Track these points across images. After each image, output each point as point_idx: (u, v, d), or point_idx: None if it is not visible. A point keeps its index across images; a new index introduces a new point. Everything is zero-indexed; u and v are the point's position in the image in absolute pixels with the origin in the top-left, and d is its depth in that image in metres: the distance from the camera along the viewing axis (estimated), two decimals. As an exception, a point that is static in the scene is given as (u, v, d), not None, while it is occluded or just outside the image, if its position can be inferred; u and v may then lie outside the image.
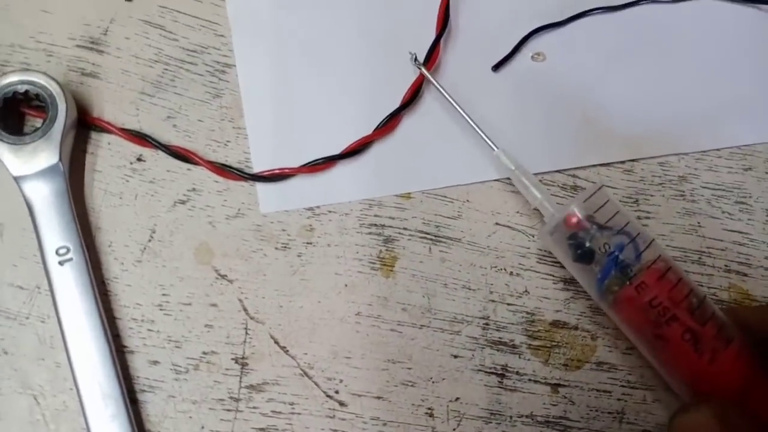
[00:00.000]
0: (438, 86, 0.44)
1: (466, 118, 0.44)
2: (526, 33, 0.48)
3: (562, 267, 0.44)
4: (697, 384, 0.36)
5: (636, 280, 0.36)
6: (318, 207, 0.44)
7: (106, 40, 0.45)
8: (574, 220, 0.38)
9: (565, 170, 0.46)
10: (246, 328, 0.42)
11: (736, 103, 0.49)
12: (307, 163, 0.43)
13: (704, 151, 0.48)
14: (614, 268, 0.37)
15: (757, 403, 0.35)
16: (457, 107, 0.44)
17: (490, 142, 0.43)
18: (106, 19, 0.45)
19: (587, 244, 0.38)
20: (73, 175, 0.42)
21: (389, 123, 0.45)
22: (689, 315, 0.35)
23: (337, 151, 0.44)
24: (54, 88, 0.40)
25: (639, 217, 0.46)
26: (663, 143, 0.47)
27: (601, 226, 0.38)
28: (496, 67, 0.48)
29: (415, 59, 0.45)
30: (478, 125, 0.43)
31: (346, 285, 0.43)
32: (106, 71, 0.44)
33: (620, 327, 0.39)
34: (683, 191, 0.47)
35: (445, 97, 0.44)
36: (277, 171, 0.43)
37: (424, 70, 0.44)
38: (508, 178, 0.45)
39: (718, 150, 0.48)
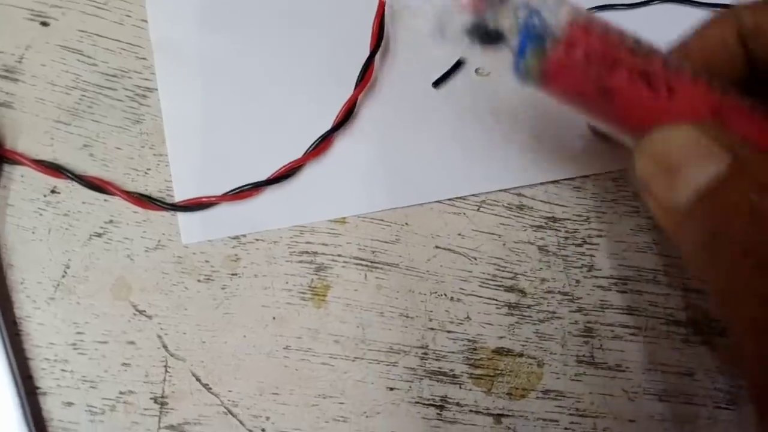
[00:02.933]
0: None
1: None
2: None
3: (506, 290, 0.42)
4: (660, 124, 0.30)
5: (561, 41, 0.29)
6: (244, 236, 0.41)
7: (21, 68, 0.43)
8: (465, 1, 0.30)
9: (510, 189, 0.44)
10: (166, 366, 0.39)
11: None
12: (231, 190, 0.41)
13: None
14: (531, 37, 0.29)
15: (731, 127, 0.29)
16: None
17: None
18: (21, 45, 0.43)
19: (490, 25, 0.30)
20: (-16, 210, 0.40)
21: (320, 145, 0.42)
22: (631, 55, 0.29)
23: (265, 177, 0.42)
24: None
25: (590, 235, 0.43)
26: (617, 157, 0.45)
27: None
28: (437, 84, 0.45)
29: None
30: None
31: (273, 318, 0.40)
32: (20, 100, 0.42)
33: (559, 101, 0.32)
34: (637, 207, 0.44)
35: None
36: (200, 200, 0.40)
37: None
38: (450, 199, 0.43)
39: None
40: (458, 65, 0.45)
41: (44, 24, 0.44)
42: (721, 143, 0.27)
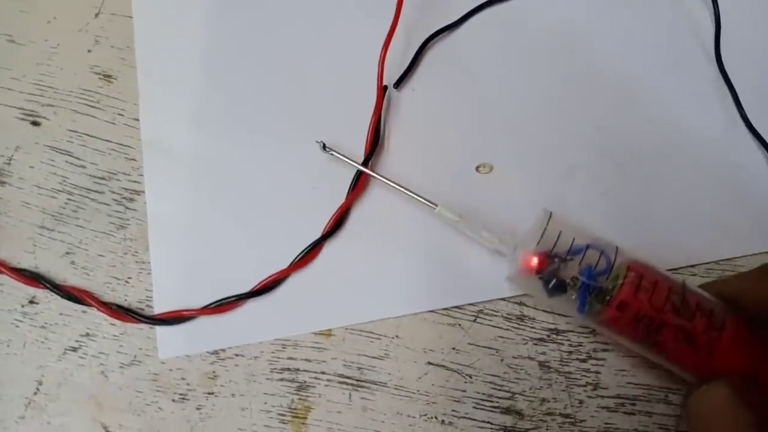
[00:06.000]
0: (347, 160, 0.41)
1: (400, 188, 0.41)
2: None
3: (503, 412, 0.39)
4: (705, 376, 0.35)
5: (614, 302, 0.35)
6: (224, 350, 0.39)
7: (9, 170, 0.42)
8: (534, 263, 0.36)
9: (510, 298, 0.41)
10: (135, 494, 0.37)
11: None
12: (212, 303, 0.39)
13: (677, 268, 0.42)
14: (588, 296, 0.35)
15: (765, 376, 0.34)
16: (391, 183, 0.41)
17: (427, 202, 0.40)
18: (11, 146, 0.43)
19: (555, 278, 0.36)
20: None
21: (308, 255, 0.40)
22: (675, 316, 0.34)
23: (250, 287, 0.40)
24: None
25: (595, 349, 0.40)
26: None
27: (563, 259, 0.36)
28: (398, 83, 0.44)
29: (324, 146, 0.41)
30: (415, 193, 0.40)
31: (250, 442, 0.38)
32: (5, 204, 0.42)
33: (617, 340, 0.38)
34: (649, 318, 0.40)
35: (379, 177, 0.41)
36: (180, 312, 0.39)
37: (338, 154, 0.42)
38: (445, 308, 0.40)
39: (692, 266, 0.42)
40: (413, 63, 0.43)
41: (35, 123, 0.43)
42: (748, 402, 0.31)
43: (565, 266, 0.36)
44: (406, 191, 0.40)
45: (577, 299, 0.36)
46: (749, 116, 0.44)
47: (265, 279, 0.40)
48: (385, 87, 0.43)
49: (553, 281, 0.36)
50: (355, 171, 0.42)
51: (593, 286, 0.35)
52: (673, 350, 0.35)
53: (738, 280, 0.37)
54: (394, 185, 0.40)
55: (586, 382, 0.40)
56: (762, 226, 0.43)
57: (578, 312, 0.36)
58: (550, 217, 0.37)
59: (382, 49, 0.42)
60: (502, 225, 0.41)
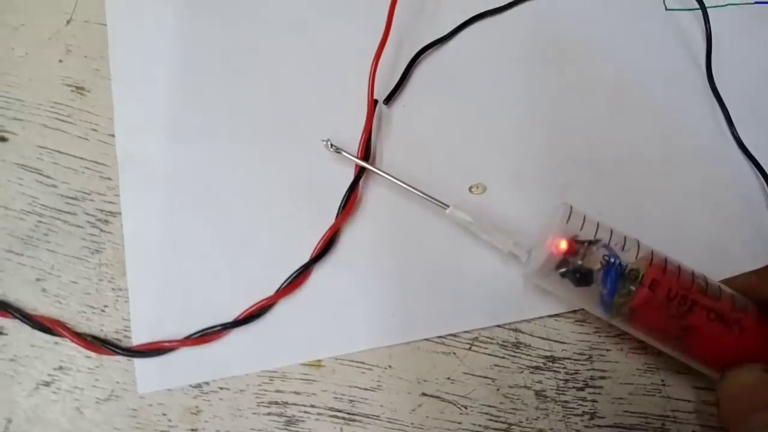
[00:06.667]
0: (372, 168, 0.40)
1: (409, 188, 0.40)
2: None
3: (500, 446, 0.37)
4: (735, 359, 0.34)
5: (647, 280, 0.34)
6: (207, 383, 0.37)
7: (-27, 190, 0.39)
8: (564, 247, 0.35)
9: (505, 325, 0.39)
10: None
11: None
12: (194, 333, 0.37)
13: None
14: (619, 278, 0.34)
15: None
16: (397, 181, 0.40)
17: (438, 203, 0.39)
18: (-24, 165, 0.40)
19: (583, 266, 0.35)
20: None
21: (296, 280, 0.38)
22: (704, 296, 0.34)
23: (234, 315, 0.38)
24: None
25: (593, 377, 0.39)
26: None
27: (590, 242, 0.35)
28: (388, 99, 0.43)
29: (330, 145, 0.40)
30: (424, 193, 0.39)
31: (236, 482, 0.36)
32: (-31, 228, 0.38)
33: (642, 338, 0.37)
34: (645, 343, 0.40)
35: (384, 175, 0.40)
36: (160, 344, 0.37)
37: (347, 154, 0.40)
38: (439, 336, 0.39)
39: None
40: (403, 77, 0.44)
41: (1, 139, 0.41)
42: None
43: (591, 253, 0.35)
44: (416, 191, 0.39)
45: (606, 286, 0.35)
46: (739, 133, 0.44)
47: (251, 307, 0.38)
48: (375, 101, 0.41)
49: (582, 269, 0.35)
50: (345, 190, 0.40)
51: (623, 266, 0.34)
52: (704, 331, 0.34)
53: (756, 275, 0.37)
54: (405, 186, 0.40)
55: (583, 412, 0.39)
56: (751, 243, 0.42)
57: (606, 300, 0.35)
58: (570, 208, 0.36)
59: (373, 62, 0.41)
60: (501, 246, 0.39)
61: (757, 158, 0.43)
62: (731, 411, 0.33)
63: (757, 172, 0.43)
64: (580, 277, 0.35)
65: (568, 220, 0.36)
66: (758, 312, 0.35)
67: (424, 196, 0.39)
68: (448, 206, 0.39)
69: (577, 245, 0.35)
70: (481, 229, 0.38)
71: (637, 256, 0.35)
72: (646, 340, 0.37)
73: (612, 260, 0.35)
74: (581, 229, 0.35)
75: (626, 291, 0.34)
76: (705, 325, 0.34)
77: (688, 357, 0.36)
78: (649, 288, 0.34)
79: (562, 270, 0.35)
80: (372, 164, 0.41)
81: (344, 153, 0.40)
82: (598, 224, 0.36)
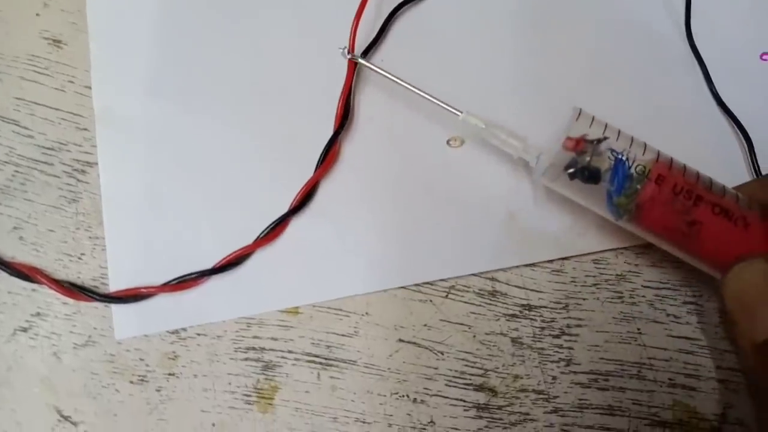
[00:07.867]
0: (379, 70, 0.40)
1: (416, 90, 0.40)
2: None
3: (475, 389, 0.38)
4: (740, 254, 0.35)
5: (653, 174, 0.35)
6: (185, 329, 0.37)
7: (-51, 165, 0.39)
8: (572, 143, 0.36)
9: (482, 273, 0.40)
10: (92, 481, 0.35)
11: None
12: (171, 280, 0.37)
13: (646, 245, 0.41)
14: (626, 174, 0.35)
15: None
16: (404, 83, 0.40)
17: (452, 109, 0.39)
18: (-47, 117, 0.40)
19: (591, 164, 0.36)
20: None
21: (274, 230, 0.38)
22: (709, 191, 0.35)
23: (212, 263, 0.38)
24: None
25: (569, 325, 0.39)
26: (599, 237, 0.41)
27: (599, 140, 0.36)
28: (365, 53, 0.43)
29: (348, 52, 0.40)
30: (433, 96, 0.40)
31: (213, 424, 0.36)
32: (-54, 178, 0.38)
33: (647, 237, 0.37)
34: (621, 292, 0.40)
35: (390, 78, 0.40)
36: (137, 290, 0.37)
37: (363, 61, 0.41)
38: (416, 284, 0.39)
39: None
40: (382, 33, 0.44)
41: (-22, 92, 0.40)
42: None
43: (599, 153, 0.36)
44: (430, 98, 0.40)
45: (613, 182, 0.35)
46: (719, 92, 0.44)
47: (229, 255, 0.38)
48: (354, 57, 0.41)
49: (590, 166, 0.36)
50: (325, 142, 0.40)
51: (631, 164, 0.35)
52: (710, 226, 0.35)
53: (758, 183, 0.38)
54: (420, 93, 0.40)
55: (559, 358, 0.39)
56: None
57: (613, 196, 0.35)
58: (581, 111, 0.37)
59: (354, 18, 0.40)
60: (478, 196, 0.40)
61: (735, 115, 0.43)
62: (737, 305, 0.33)
63: (737, 129, 0.43)
64: (589, 174, 0.36)
65: (577, 120, 0.36)
66: (760, 214, 0.35)
67: (437, 101, 0.39)
68: (461, 112, 0.39)
69: (586, 144, 0.36)
70: (492, 134, 0.39)
71: (644, 153, 0.36)
72: (653, 241, 0.37)
73: (620, 156, 0.35)
74: (590, 128, 0.36)
75: (633, 189, 0.35)
76: (710, 219, 0.35)
77: (694, 255, 0.36)
78: (656, 182, 0.35)
79: (571, 171, 0.36)
80: (351, 120, 0.41)
81: (361, 61, 0.40)
82: (606, 125, 0.37)
